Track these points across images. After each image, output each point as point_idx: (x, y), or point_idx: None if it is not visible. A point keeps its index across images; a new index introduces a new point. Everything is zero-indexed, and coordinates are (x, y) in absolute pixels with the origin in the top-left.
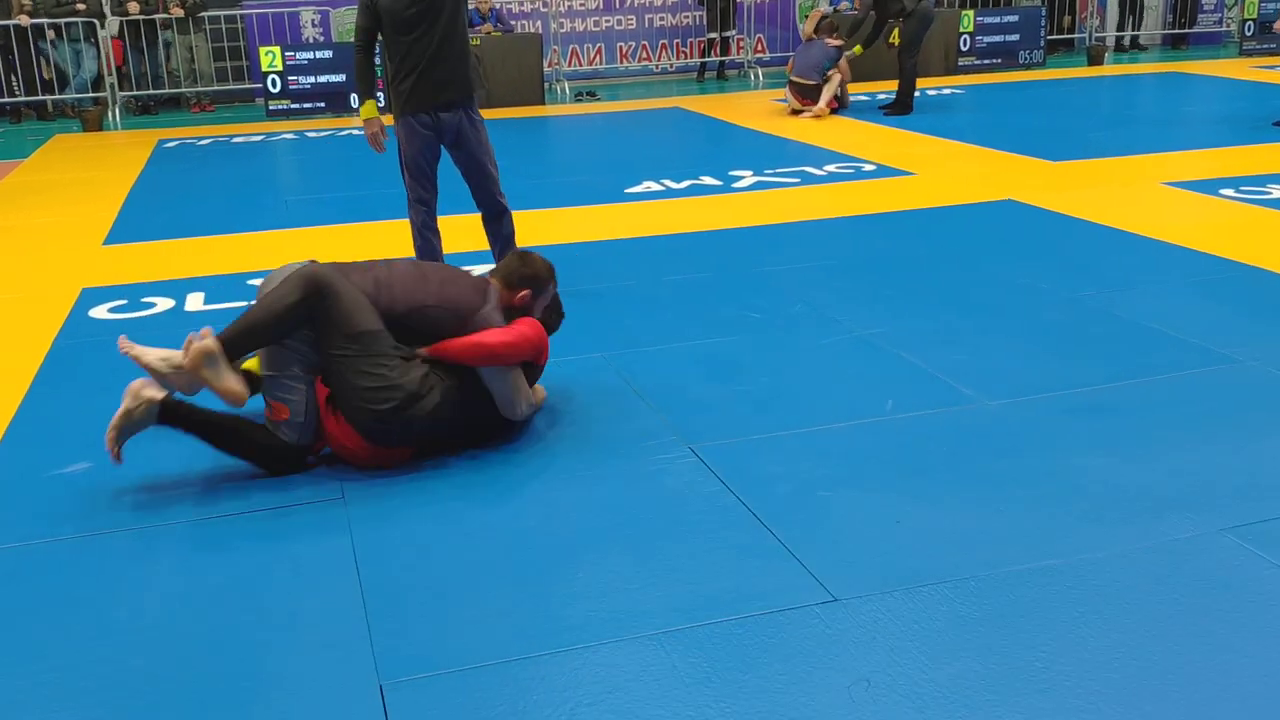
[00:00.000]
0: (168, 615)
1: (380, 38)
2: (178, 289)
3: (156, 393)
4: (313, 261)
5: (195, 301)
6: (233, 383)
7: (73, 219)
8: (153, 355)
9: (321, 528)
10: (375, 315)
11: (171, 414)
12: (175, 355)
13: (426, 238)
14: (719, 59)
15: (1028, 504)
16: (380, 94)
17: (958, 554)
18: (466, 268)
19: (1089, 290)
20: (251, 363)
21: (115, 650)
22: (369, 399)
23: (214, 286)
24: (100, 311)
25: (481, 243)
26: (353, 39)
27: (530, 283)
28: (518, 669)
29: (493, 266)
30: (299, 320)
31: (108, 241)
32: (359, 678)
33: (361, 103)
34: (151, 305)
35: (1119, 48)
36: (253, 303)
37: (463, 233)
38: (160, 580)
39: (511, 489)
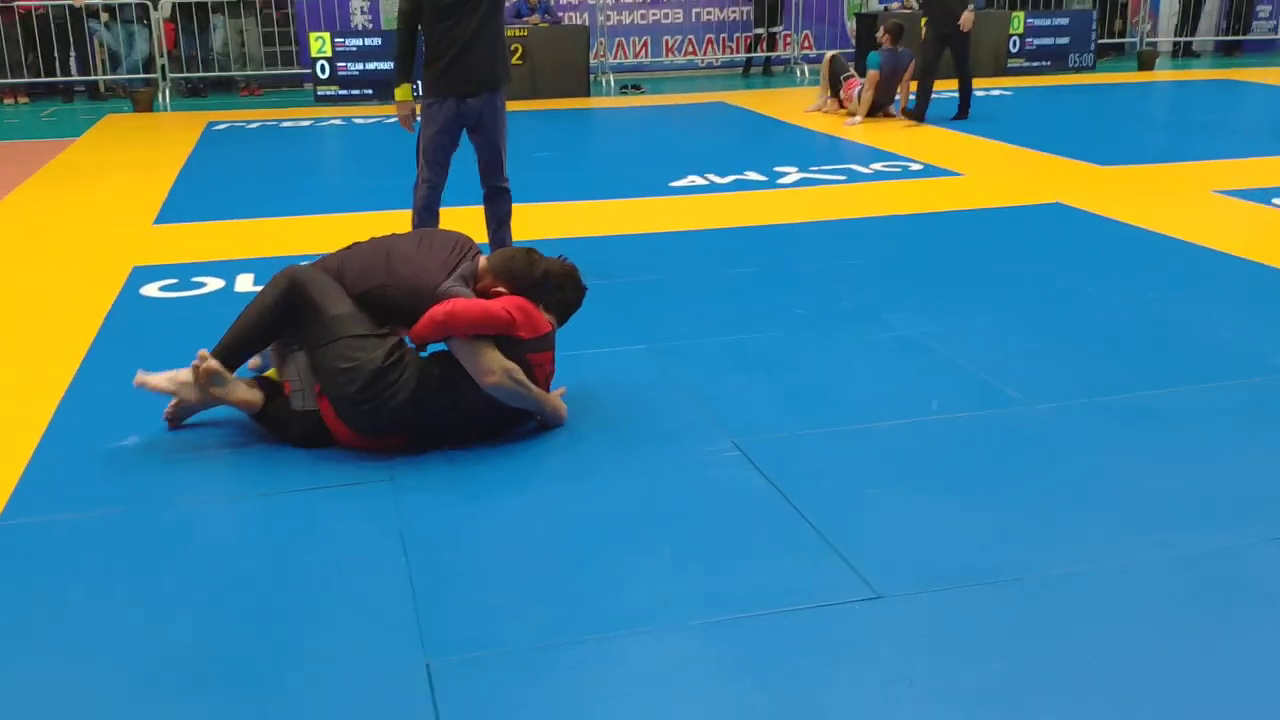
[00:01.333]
0: (217, 587)
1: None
2: (227, 270)
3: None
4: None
5: (245, 283)
6: (242, 393)
7: (124, 198)
8: (162, 380)
9: (370, 509)
10: (346, 300)
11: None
12: (181, 373)
13: (425, 219)
14: (765, 54)
15: (1072, 508)
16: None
17: (1000, 555)
18: (459, 238)
19: (1137, 295)
20: (272, 372)
21: (165, 618)
22: (341, 382)
23: (263, 268)
24: (151, 289)
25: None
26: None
27: (516, 285)
28: (562, 652)
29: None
30: (282, 318)
31: (158, 221)
32: (406, 655)
33: (397, 84)
34: (202, 285)
35: (1172, 53)
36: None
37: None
38: (209, 553)
39: (555, 477)
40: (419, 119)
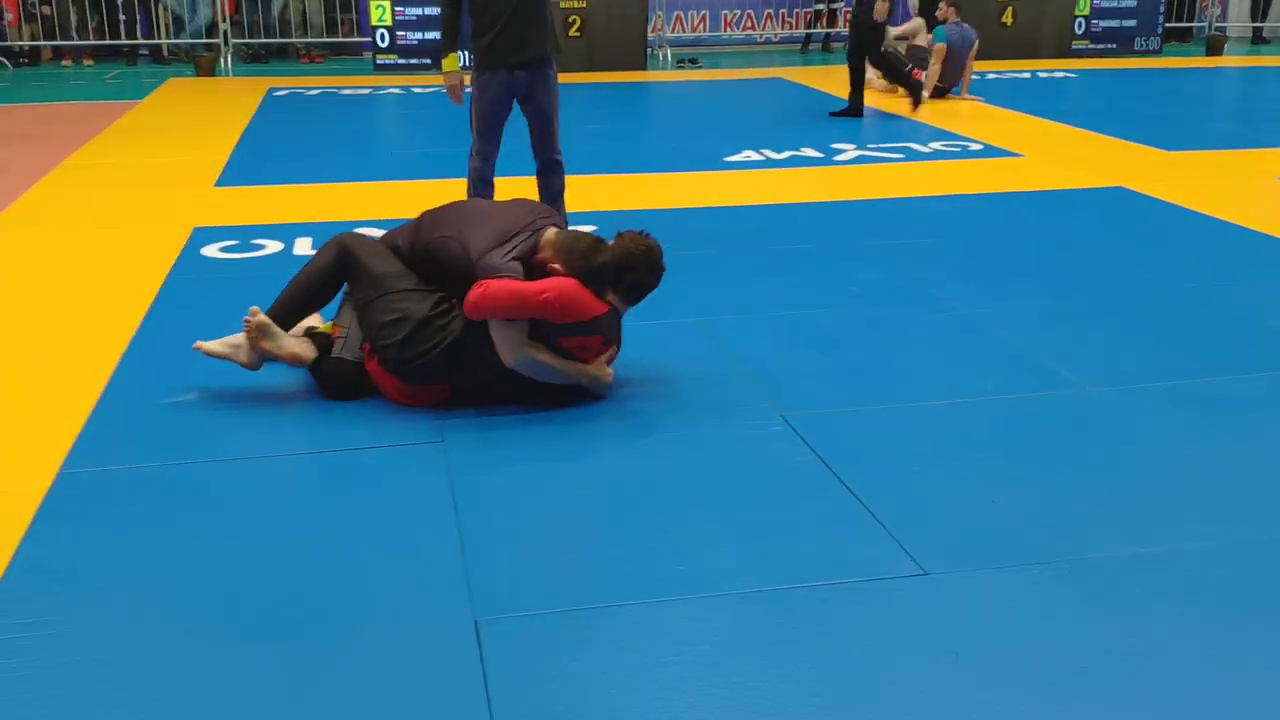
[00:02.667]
0: (269, 540)
1: None
2: (286, 233)
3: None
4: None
5: (303, 246)
6: (292, 346)
7: (186, 160)
8: (216, 345)
9: (421, 468)
10: (394, 261)
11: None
12: (234, 337)
13: (480, 190)
14: (824, 30)
15: (1125, 491)
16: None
17: (1051, 536)
18: (540, 211)
19: (1199, 282)
20: (326, 326)
21: (221, 567)
22: (388, 334)
23: (321, 233)
24: (212, 250)
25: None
26: None
27: (571, 267)
28: (609, 615)
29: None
30: (333, 279)
31: (220, 183)
32: (455, 612)
33: (444, 55)
34: (261, 247)
35: (1241, 38)
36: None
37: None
38: (263, 508)
39: (606, 444)
40: (468, 90)
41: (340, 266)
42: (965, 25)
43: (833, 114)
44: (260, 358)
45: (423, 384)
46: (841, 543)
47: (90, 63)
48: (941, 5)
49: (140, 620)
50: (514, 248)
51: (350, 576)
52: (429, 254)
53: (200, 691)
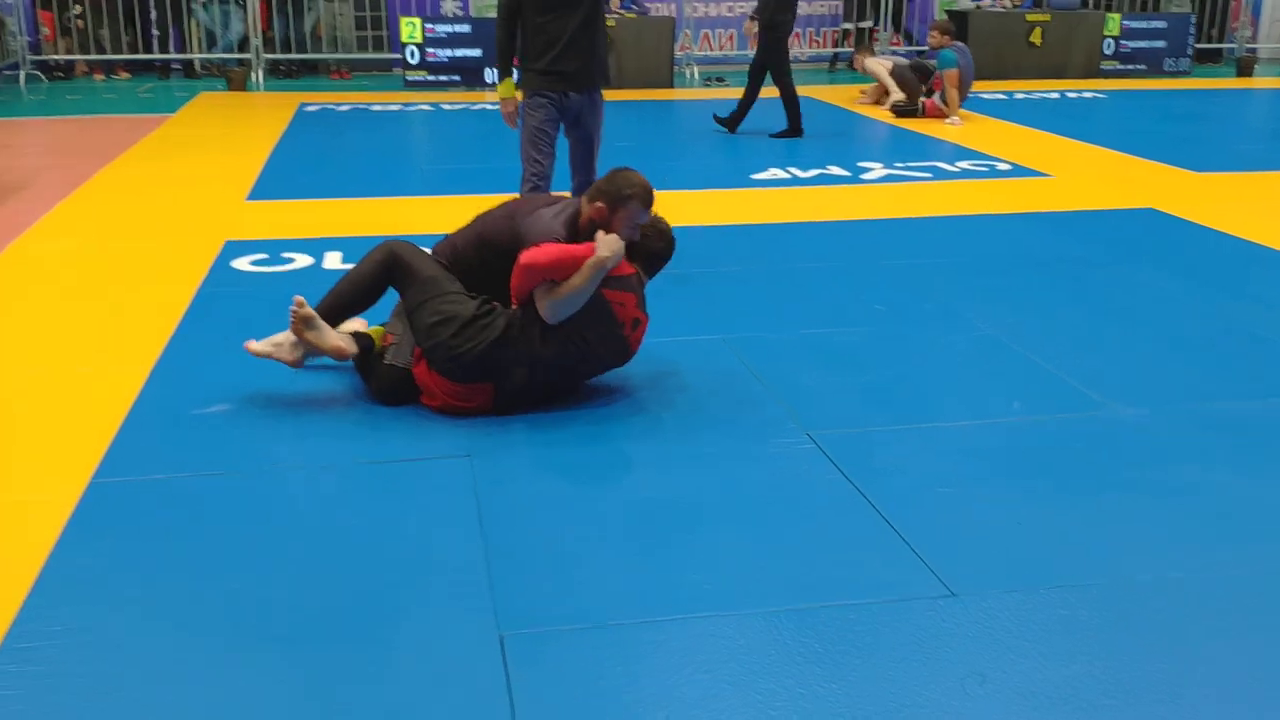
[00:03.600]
0: (296, 552)
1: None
2: (316, 247)
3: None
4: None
5: (333, 260)
6: (334, 339)
7: (218, 173)
8: (262, 345)
9: (448, 481)
10: (440, 268)
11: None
12: (278, 336)
13: None
14: (852, 50)
15: (1154, 515)
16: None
17: (1079, 559)
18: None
19: (1228, 304)
20: (375, 330)
21: (248, 579)
22: (437, 333)
23: (351, 247)
24: (242, 263)
25: None
26: (495, 14)
27: (604, 196)
28: (634, 631)
29: None
30: (378, 284)
31: (251, 197)
32: (480, 627)
33: (500, 79)
34: (291, 260)
35: (1272, 59)
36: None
37: None
38: (290, 519)
39: (631, 460)
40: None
41: (385, 271)
42: (964, 46)
43: (773, 135)
44: (304, 354)
45: (470, 383)
46: (868, 562)
47: (127, 75)
48: (934, 34)
49: (168, 630)
50: (560, 212)
51: (376, 590)
52: (481, 241)
53: (226, 702)
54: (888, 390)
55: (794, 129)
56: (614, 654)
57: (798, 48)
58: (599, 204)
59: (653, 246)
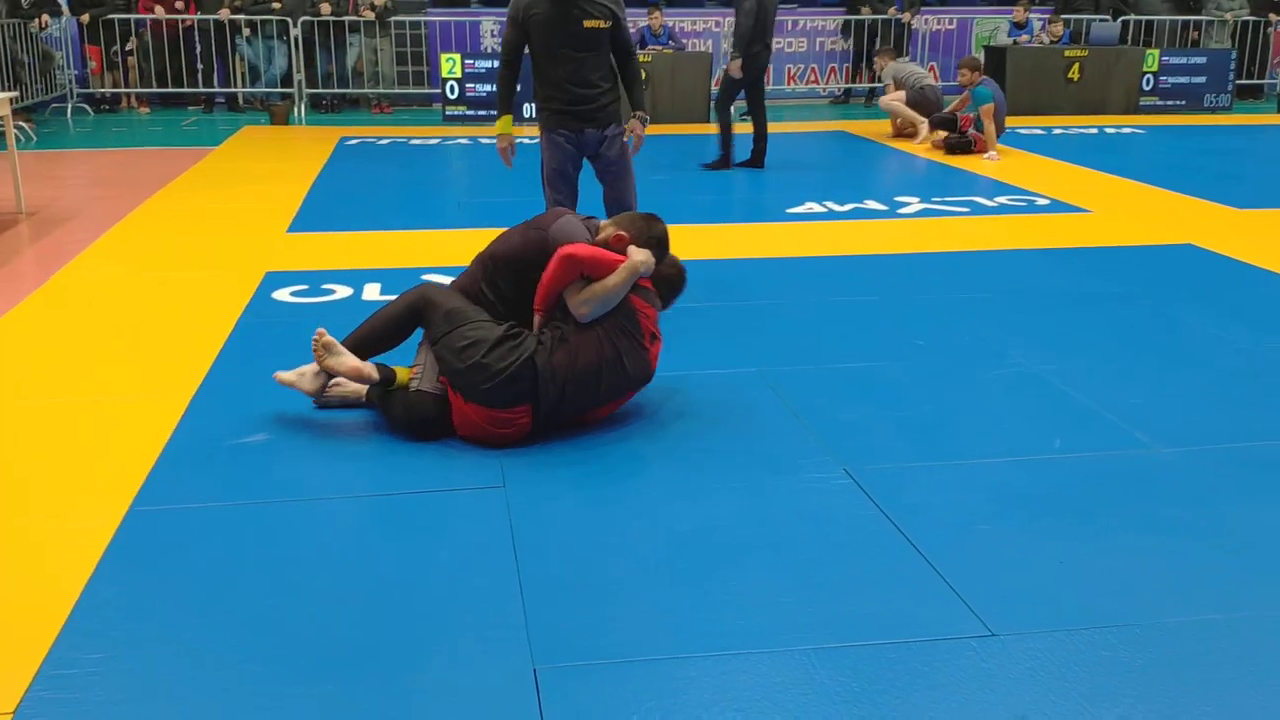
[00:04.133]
0: (332, 583)
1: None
2: (356, 278)
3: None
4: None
5: (372, 291)
6: (352, 359)
7: (259, 205)
8: (288, 374)
9: (483, 512)
10: (466, 301)
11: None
12: (303, 367)
13: None
14: (867, 85)
15: (1196, 555)
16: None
17: (1121, 599)
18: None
19: (1271, 341)
20: (402, 373)
21: (283, 609)
22: (468, 355)
23: (390, 279)
24: (283, 294)
25: None
26: (500, 52)
27: (632, 229)
28: (669, 667)
29: None
30: (405, 323)
31: (291, 229)
32: (514, 660)
33: (499, 116)
34: (331, 292)
35: None
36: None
37: None
38: (327, 549)
39: (667, 493)
40: (516, 154)
41: (413, 313)
42: (993, 82)
43: (705, 166)
44: (323, 383)
45: (509, 406)
46: (906, 601)
47: (146, 110)
48: (964, 71)
49: (203, 660)
50: (584, 221)
51: (411, 621)
52: (497, 265)
53: None
54: (925, 425)
55: (724, 161)
56: (647, 690)
57: (834, 82)
58: (623, 234)
59: (666, 272)
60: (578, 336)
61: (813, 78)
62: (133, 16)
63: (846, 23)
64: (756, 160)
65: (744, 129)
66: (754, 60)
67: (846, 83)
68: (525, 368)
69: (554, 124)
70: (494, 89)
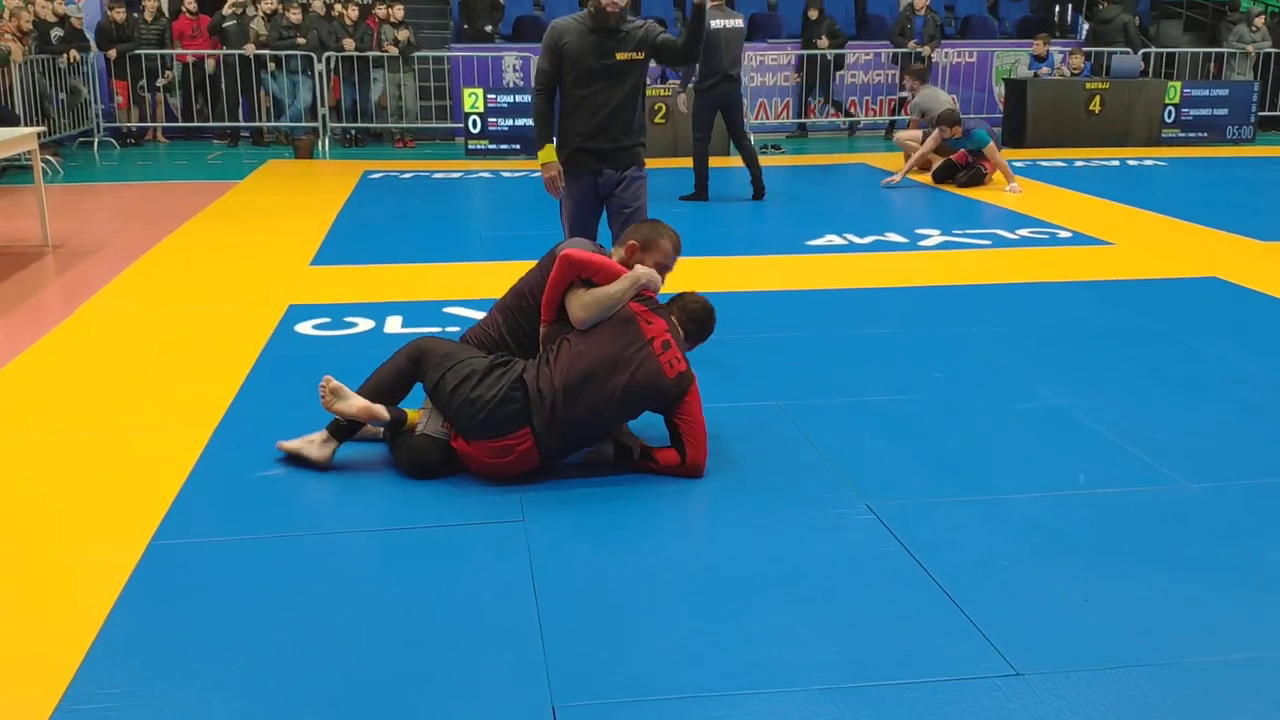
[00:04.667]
0: (351, 617)
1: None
2: (378, 311)
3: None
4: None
5: (394, 324)
6: (360, 401)
7: (283, 239)
8: (293, 443)
9: (502, 547)
10: (462, 346)
11: (344, 432)
12: (309, 435)
13: None
14: (909, 116)
15: (1224, 593)
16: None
17: (1147, 638)
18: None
19: None
20: (413, 415)
21: (302, 644)
22: (462, 392)
23: (412, 311)
24: (305, 327)
25: None
26: (534, 82)
27: (637, 235)
28: (688, 705)
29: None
30: (406, 376)
31: (314, 262)
32: (533, 697)
33: (540, 146)
34: (353, 325)
35: None
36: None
37: None
38: (346, 584)
39: (687, 528)
40: (564, 181)
41: (413, 363)
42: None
43: (683, 198)
44: (331, 454)
45: (507, 432)
46: (929, 639)
47: (221, 143)
48: (910, 80)
49: (219, 696)
50: (593, 244)
51: (429, 658)
52: (533, 293)
53: None
54: (948, 460)
55: (698, 194)
56: None
57: (854, 115)
58: (632, 241)
59: (690, 306)
60: (569, 349)
61: (833, 111)
62: (159, 52)
63: (800, 57)
64: (757, 194)
65: (732, 162)
66: (709, 93)
67: (797, 118)
68: (515, 388)
69: (572, 166)
70: (516, 123)
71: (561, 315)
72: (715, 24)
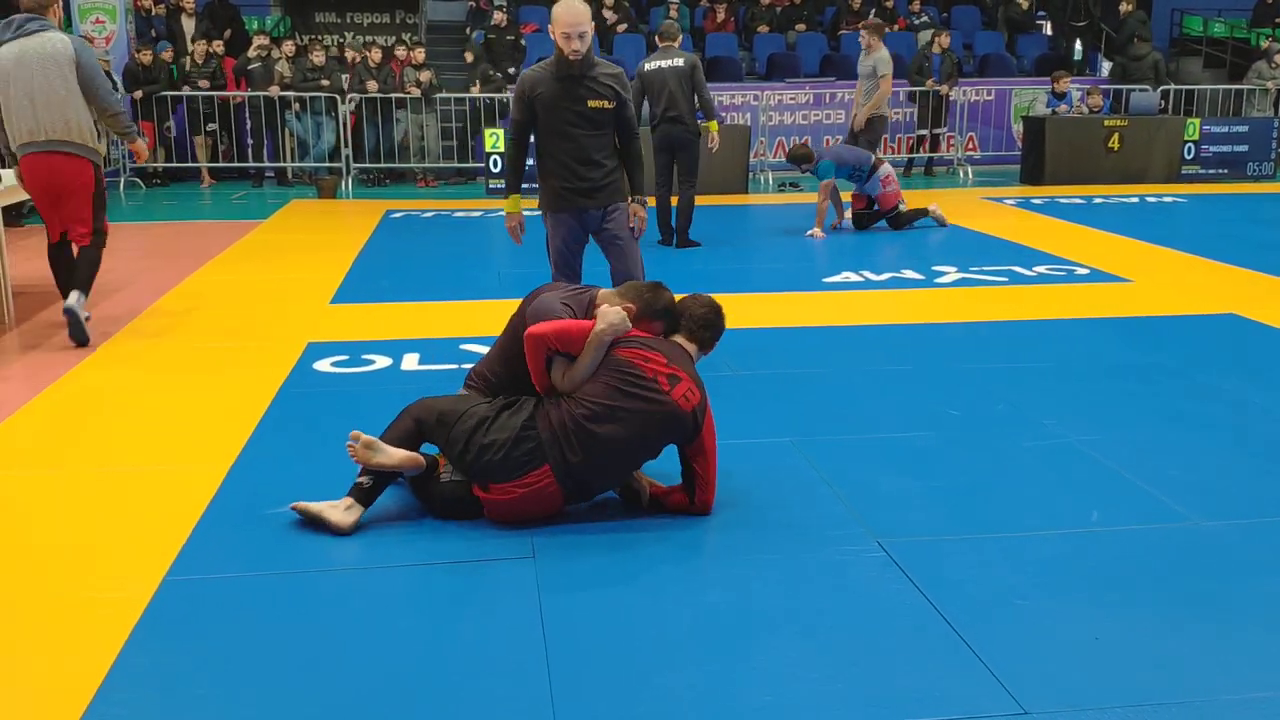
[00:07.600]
0: (360, 655)
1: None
2: (395, 349)
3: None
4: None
5: (411, 362)
6: (400, 453)
7: (304, 277)
8: (315, 506)
9: (511, 584)
10: (456, 399)
11: (369, 496)
12: (332, 501)
13: None
14: (927, 155)
15: (1236, 631)
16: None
17: (1158, 677)
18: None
19: None
20: (442, 459)
21: (311, 680)
22: (470, 448)
23: (429, 349)
24: (324, 365)
25: None
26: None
27: (640, 303)
28: None
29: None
30: (415, 435)
31: (334, 300)
32: None
33: (507, 195)
34: (371, 362)
35: None
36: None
37: None
38: (357, 621)
39: (697, 565)
40: (525, 231)
41: (418, 424)
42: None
43: (660, 242)
44: (357, 519)
45: (526, 470)
46: (938, 677)
47: (243, 185)
48: (798, 168)
49: None
50: (568, 294)
51: (438, 694)
52: (515, 336)
53: None
54: (961, 497)
55: (665, 237)
56: None
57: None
58: (630, 305)
59: (696, 311)
60: (581, 392)
61: (780, 151)
62: (184, 93)
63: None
64: (665, 239)
65: (749, 200)
66: (654, 134)
67: (908, 153)
68: (528, 426)
69: (556, 205)
70: (532, 163)
71: (550, 386)
72: (651, 65)
